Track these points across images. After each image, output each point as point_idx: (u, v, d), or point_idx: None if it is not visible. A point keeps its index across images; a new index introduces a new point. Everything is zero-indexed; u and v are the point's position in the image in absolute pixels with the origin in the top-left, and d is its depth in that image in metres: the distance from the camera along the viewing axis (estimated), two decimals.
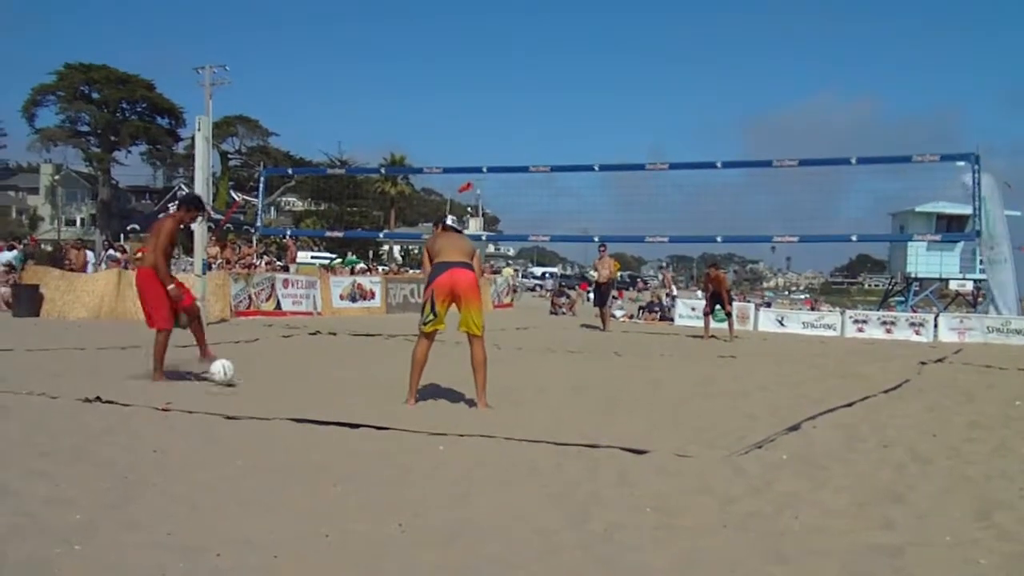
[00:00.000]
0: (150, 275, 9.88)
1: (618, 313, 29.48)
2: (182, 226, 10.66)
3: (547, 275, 77.68)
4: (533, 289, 61.35)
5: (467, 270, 8.81)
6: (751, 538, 4.68)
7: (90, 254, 27.69)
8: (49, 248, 34.09)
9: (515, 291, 35.99)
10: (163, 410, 7.84)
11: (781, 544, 4.58)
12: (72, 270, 23.69)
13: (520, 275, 74.86)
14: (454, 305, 8.79)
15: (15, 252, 27.34)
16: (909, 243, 32.95)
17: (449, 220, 9.58)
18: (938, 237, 29.19)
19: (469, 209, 74.06)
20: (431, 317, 8.72)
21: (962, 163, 19.84)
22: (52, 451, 6.11)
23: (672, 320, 28.35)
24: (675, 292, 37.65)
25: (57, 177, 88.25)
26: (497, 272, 46.14)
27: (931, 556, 4.45)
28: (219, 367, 9.53)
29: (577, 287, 47.04)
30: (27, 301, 20.21)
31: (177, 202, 10.99)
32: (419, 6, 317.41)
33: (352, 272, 32.80)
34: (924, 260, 35.02)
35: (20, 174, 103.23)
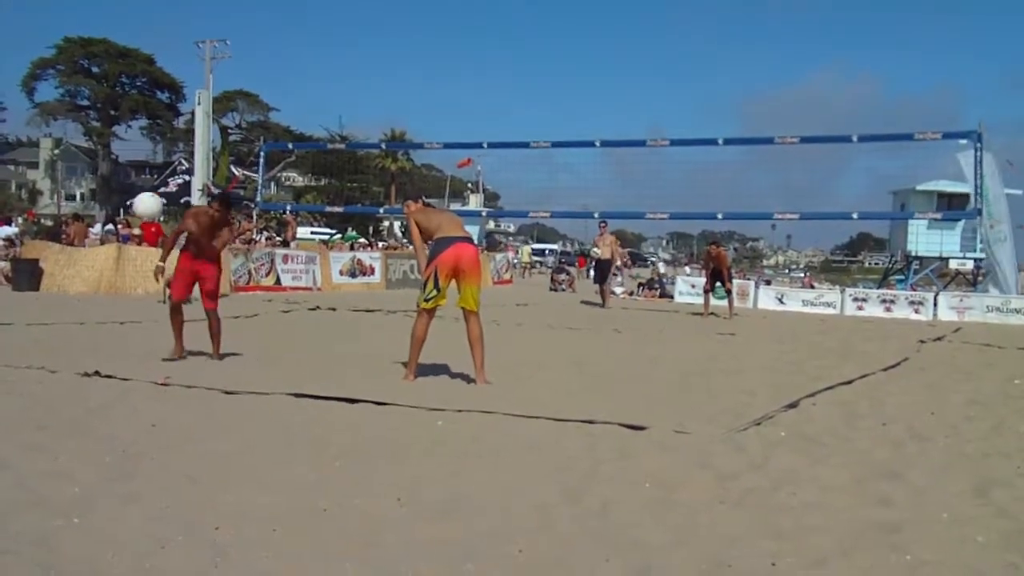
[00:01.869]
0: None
1: (617, 290, 29.44)
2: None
3: (547, 252, 77.56)
4: (533, 266, 61.33)
5: (471, 245, 8.82)
6: (749, 514, 4.69)
7: (98, 227, 27.59)
8: (49, 223, 33.99)
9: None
10: (162, 384, 7.85)
11: (779, 520, 4.60)
12: (71, 244, 23.65)
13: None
14: (454, 282, 8.77)
15: (14, 227, 27.35)
16: (910, 221, 32.91)
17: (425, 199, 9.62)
18: (939, 215, 29.16)
19: (469, 185, 73.98)
20: (434, 292, 8.67)
21: (964, 141, 19.80)
22: (51, 425, 6.12)
23: (672, 297, 28.31)
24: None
25: (57, 151, 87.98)
26: (505, 250, 45.85)
27: (928, 533, 4.47)
28: None
29: (575, 264, 46.98)
30: (26, 275, 20.19)
31: (218, 198, 10.96)
32: None
33: (352, 248, 32.80)
34: (924, 238, 34.95)
35: (19, 148, 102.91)
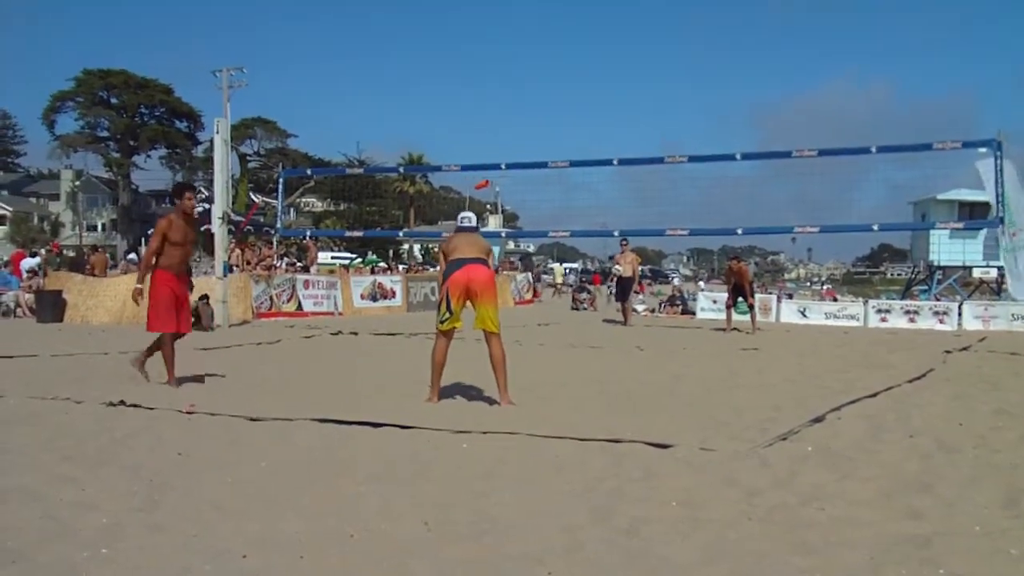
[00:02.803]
0: (153, 278, 9.78)
1: (639, 307, 29.40)
2: (191, 216, 10.14)
3: (567, 271, 77.50)
4: (553, 285, 61.20)
5: (482, 266, 8.77)
6: (777, 530, 4.66)
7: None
8: (71, 254, 34.22)
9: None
10: (187, 413, 7.86)
11: (807, 536, 4.56)
12: (93, 275, 23.81)
13: (542, 271, 74.80)
14: (470, 303, 8.77)
15: (37, 259, 27.52)
16: (931, 231, 32.76)
17: (462, 219, 9.48)
18: (960, 224, 28.93)
19: (488, 206, 74.04)
20: (447, 315, 8.69)
21: (983, 150, 19.65)
22: (77, 455, 6.14)
23: (694, 313, 28.26)
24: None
25: (77, 183, 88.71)
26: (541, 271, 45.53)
27: (960, 546, 4.42)
28: None
29: (591, 281, 46.87)
30: (50, 307, 20.34)
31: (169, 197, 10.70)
32: (430, 5, 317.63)
33: (372, 271, 32.87)
34: (947, 248, 34.81)
35: (41, 180, 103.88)
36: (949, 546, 4.40)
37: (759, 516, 4.92)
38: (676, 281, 49.73)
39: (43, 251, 35.40)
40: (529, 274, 41.66)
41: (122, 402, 8.19)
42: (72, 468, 5.76)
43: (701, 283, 55.46)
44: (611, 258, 24.28)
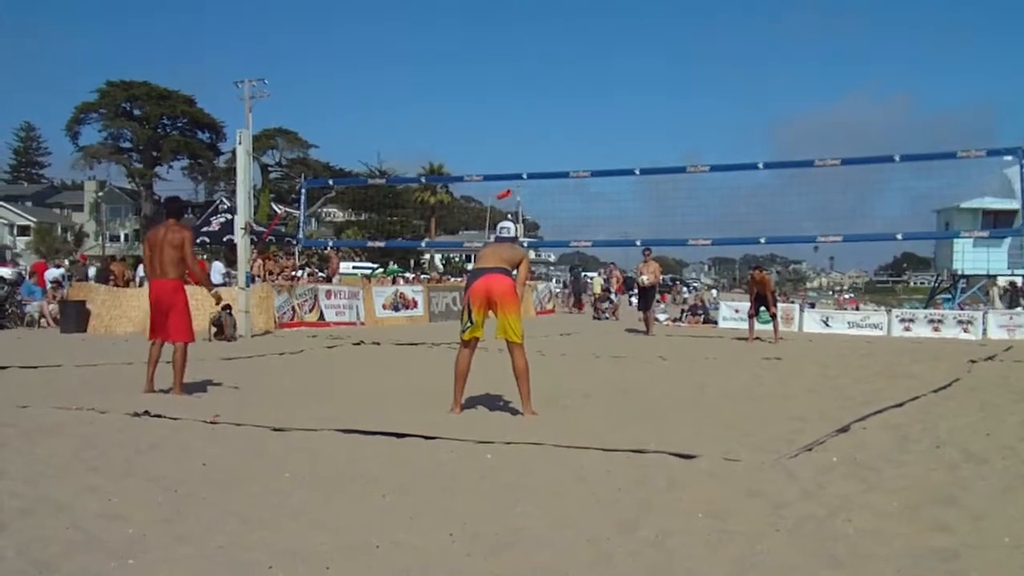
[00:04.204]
0: (179, 287, 9.99)
1: (661, 317, 29.34)
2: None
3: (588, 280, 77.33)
4: (593, 295, 60.97)
5: (502, 275, 8.73)
6: (804, 542, 4.62)
7: (141, 269, 27.84)
8: (96, 265, 34.40)
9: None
10: (211, 423, 7.88)
11: (835, 548, 4.52)
12: (116, 285, 23.93)
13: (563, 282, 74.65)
14: (492, 313, 8.78)
15: (61, 269, 27.70)
16: (955, 240, 32.58)
17: (500, 229, 9.51)
18: (985, 233, 28.74)
19: (509, 216, 74.03)
20: (468, 324, 8.72)
21: (1009, 158, 19.55)
22: (103, 466, 6.16)
23: (716, 323, 28.17)
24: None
25: (101, 194, 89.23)
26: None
27: (988, 559, 4.37)
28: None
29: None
30: (74, 317, 20.45)
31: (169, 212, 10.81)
32: (450, 15, 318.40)
33: (394, 281, 32.92)
34: (971, 256, 34.61)
35: (64, 192, 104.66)
36: (978, 559, 4.35)
37: (786, 528, 4.89)
38: (685, 293, 49.53)
39: (67, 261, 35.63)
40: (599, 286, 40.74)
41: (147, 412, 8.22)
42: (98, 479, 5.78)
43: (714, 291, 55.32)
44: (639, 271, 24.10)
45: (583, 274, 53.61)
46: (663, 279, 36.37)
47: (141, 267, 27.95)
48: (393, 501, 5.37)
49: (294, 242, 28.21)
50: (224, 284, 23.29)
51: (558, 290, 47.02)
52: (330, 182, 46.91)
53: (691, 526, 4.91)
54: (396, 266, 47.39)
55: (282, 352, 15.58)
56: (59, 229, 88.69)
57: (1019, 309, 30.41)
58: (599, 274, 44.77)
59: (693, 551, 4.49)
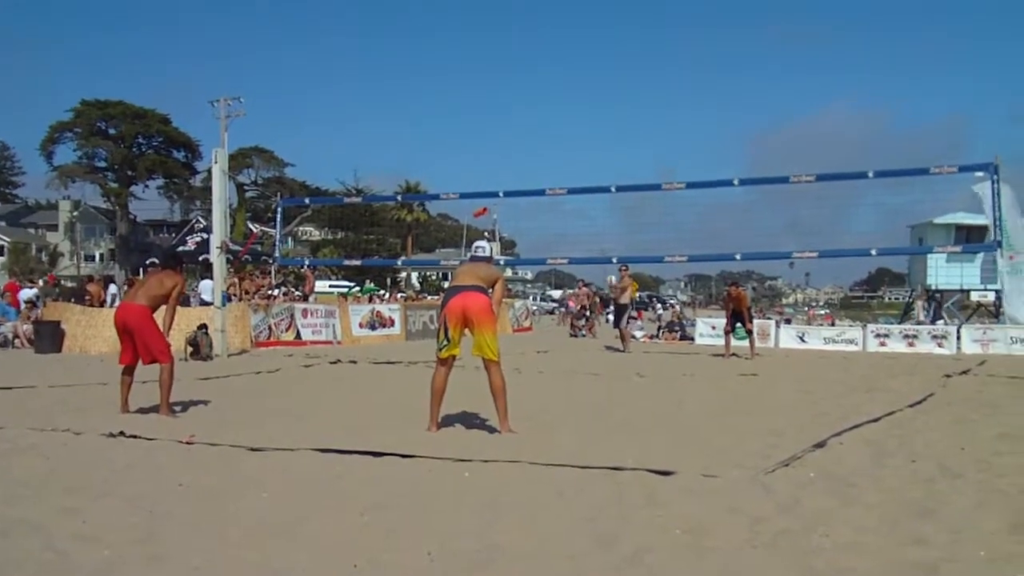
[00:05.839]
0: (145, 312, 9.98)
1: (638, 334, 29.37)
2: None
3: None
4: (552, 312, 61.06)
5: (478, 293, 8.74)
6: (783, 558, 4.64)
7: (113, 287, 27.74)
8: (71, 284, 34.19)
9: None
10: (187, 443, 7.84)
11: (812, 562, 4.54)
12: (92, 305, 23.79)
13: (539, 298, 74.78)
14: (468, 332, 8.77)
15: (35, 290, 27.50)
16: (929, 255, 32.80)
17: (475, 248, 9.51)
18: (958, 248, 28.95)
19: (486, 234, 74.12)
20: (445, 342, 8.71)
21: (980, 174, 19.73)
22: (78, 487, 6.12)
23: (692, 339, 28.22)
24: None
25: (75, 213, 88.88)
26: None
27: (966, 572, 4.40)
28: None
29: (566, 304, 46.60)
30: (49, 337, 20.31)
31: (166, 261, 10.96)
32: (428, 34, 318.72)
33: (371, 300, 32.84)
34: (944, 271, 34.83)
35: (39, 211, 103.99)
36: (955, 572, 4.38)
37: (764, 543, 4.90)
38: (660, 310, 49.82)
39: (40, 282, 35.40)
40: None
41: (122, 433, 8.18)
42: (73, 500, 5.74)
43: (687, 310, 55.62)
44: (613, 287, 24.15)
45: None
46: (639, 296, 36.42)
47: (114, 286, 27.88)
48: (371, 519, 5.35)
49: (270, 261, 28.16)
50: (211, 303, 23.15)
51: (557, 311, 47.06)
52: (306, 201, 46.90)
53: (669, 542, 4.92)
54: (372, 285, 47.26)
55: (259, 371, 15.51)
56: (34, 249, 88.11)
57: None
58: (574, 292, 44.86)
59: (671, 567, 4.49)
